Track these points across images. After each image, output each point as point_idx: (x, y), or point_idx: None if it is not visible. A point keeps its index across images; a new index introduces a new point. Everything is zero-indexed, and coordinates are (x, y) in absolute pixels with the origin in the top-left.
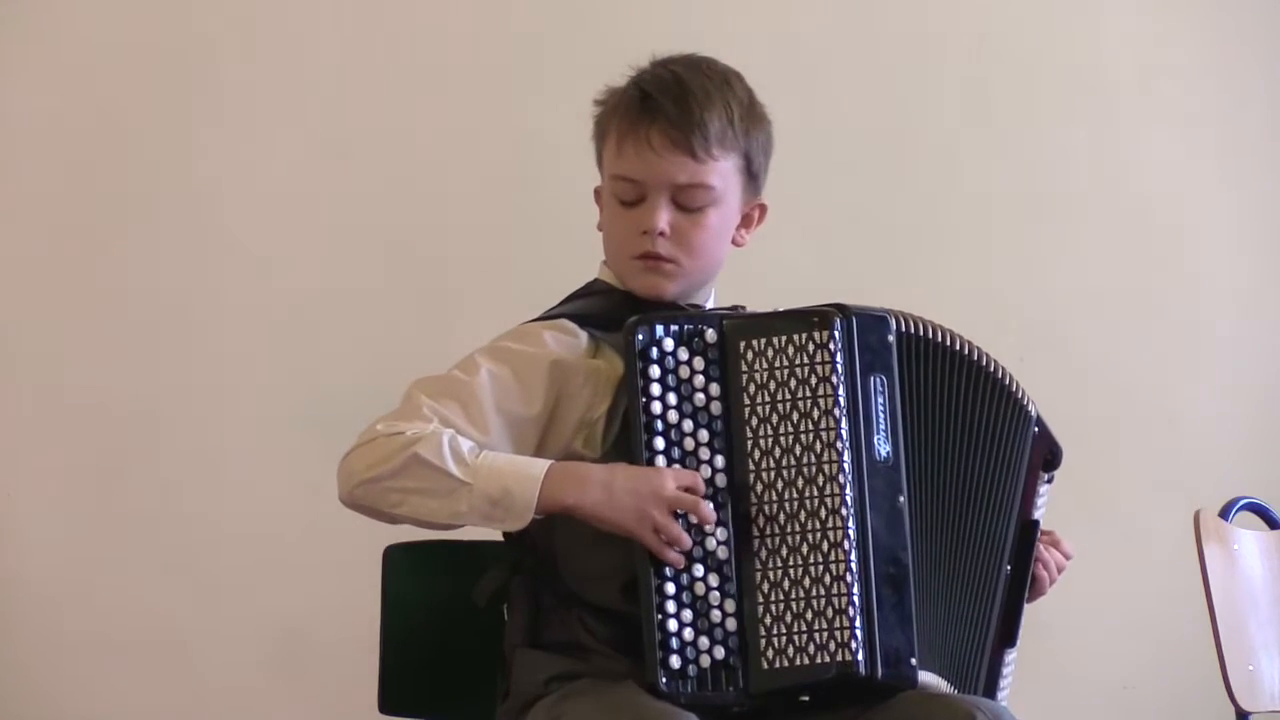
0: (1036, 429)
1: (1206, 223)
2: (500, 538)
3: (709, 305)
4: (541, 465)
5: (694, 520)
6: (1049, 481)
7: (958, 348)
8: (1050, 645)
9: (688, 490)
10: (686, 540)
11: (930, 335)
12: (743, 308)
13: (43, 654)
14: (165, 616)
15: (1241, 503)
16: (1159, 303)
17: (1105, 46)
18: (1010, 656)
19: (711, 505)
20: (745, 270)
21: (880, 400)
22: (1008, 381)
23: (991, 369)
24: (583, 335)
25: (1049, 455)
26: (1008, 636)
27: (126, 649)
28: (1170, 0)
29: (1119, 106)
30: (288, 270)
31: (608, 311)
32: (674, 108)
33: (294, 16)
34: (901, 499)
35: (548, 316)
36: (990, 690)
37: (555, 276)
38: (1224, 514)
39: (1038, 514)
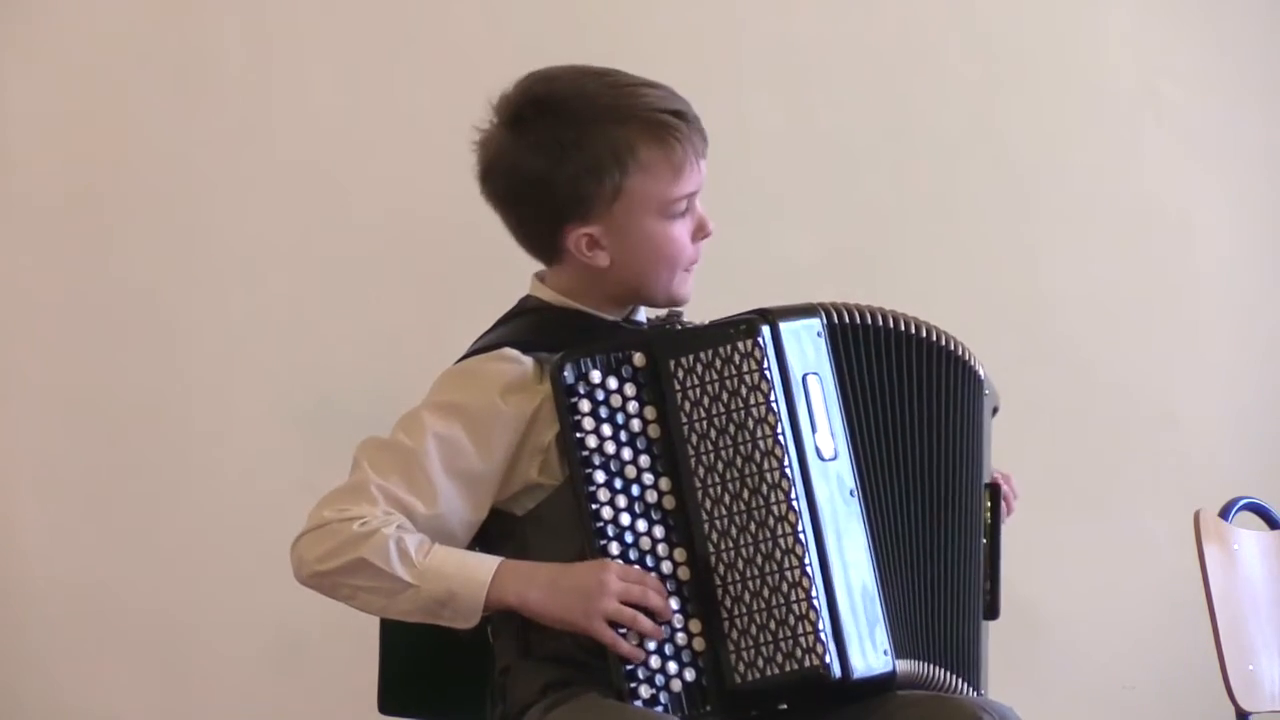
0: (988, 391)
1: (1207, 223)
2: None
3: (640, 311)
4: (489, 569)
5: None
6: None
7: (893, 325)
8: (1050, 645)
9: (636, 582)
10: (645, 623)
11: (862, 320)
12: (679, 313)
13: (42, 653)
14: (165, 616)
15: (1241, 503)
16: (1159, 303)
17: (1107, 48)
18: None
19: (663, 595)
20: (745, 269)
21: (817, 398)
22: (953, 347)
23: (934, 339)
24: (527, 361)
25: (994, 408)
26: (991, 610)
27: (126, 649)
28: (1171, 2)
29: (1120, 107)
30: (287, 269)
31: (549, 331)
32: (698, 122)
33: (294, 16)
34: (853, 492)
35: (485, 347)
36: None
37: None
38: (1224, 514)
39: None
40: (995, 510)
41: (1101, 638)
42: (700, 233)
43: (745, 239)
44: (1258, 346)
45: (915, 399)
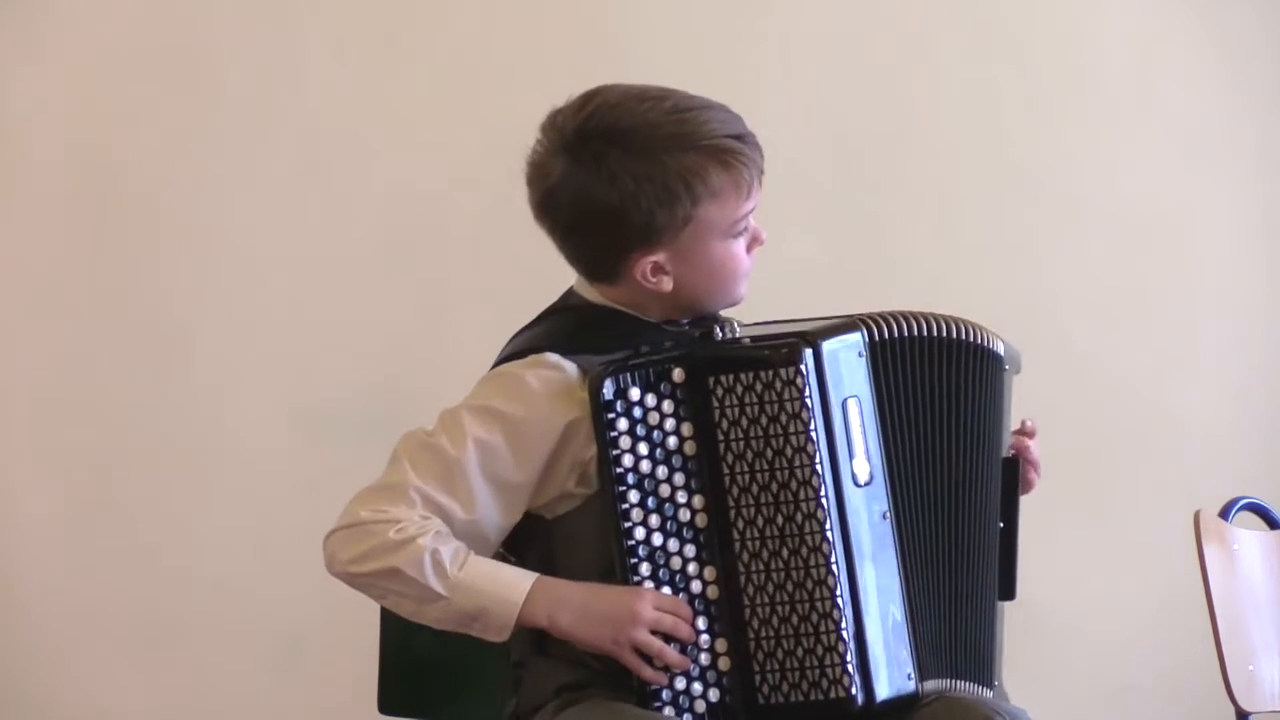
0: (1007, 366)
1: (1206, 222)
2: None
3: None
4: (522, 589)
5: (680, 634)
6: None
7: (928, 332)
8: (1050, 646)
9: (669, 612)
10: (671, 655)
11: (901, 333)
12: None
13: (42, 654)
14: (165, 617)
15: (1241, 503)
16: (1159, 303)
17: (1105, 46)
18: (1004, 606)
19: (692, 625)
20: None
21: (856, 422)
22: (975, 338)
23: (960, 335)
24: (569, 367)
25: (1014, 368)
26: (1008, 591)
27: (127, 649)
28: (1171, 2)
29: (1119, 106)
30: (288, 270)
31: (590, 332)
32: (755, 139)
33: (294, 16)
34: (887, 515)
35: (528, 349)
36: (998, 667)
37: (554, 276)
38: (1224, 514)
39: (1009, 437)
40: (1013, 486)
41: (1101, 638)
42: (755, 244)
43: None
44: (1258, 346)
45: (945, 404)
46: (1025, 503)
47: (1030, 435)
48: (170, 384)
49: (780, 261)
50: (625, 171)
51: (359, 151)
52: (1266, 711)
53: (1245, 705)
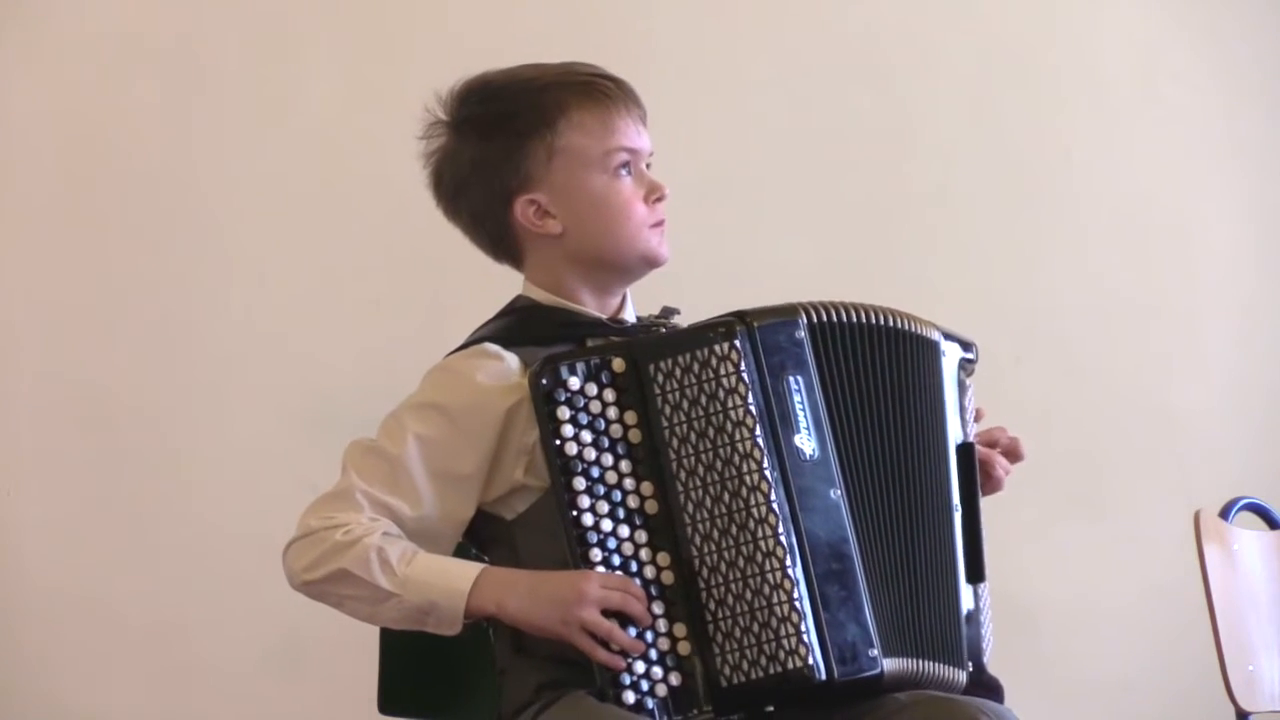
0: (944, 352)
1: (1206, 222)
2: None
3: (629, 308)
4: (469, 577)
5: (632, 610)
6: (971, 374)
7: (864, 320)
8: (1050, 645)
9: (617, 589)
10: (621, 635)
11: (843, 319)
12: (673, 310)
13: (42, 653)
14: (165, 617)
15: (1241, 503)
16: (1159, 303)
17: (1105, 46)
18: (984, 590)
19: (643, 602)
20: (746, 270)
21: (798, 399)
22: (909, 326)
23: (895, 324)
24: (509, 357)
25: (965, 358)
26: (976, 574)
27: (126, 649)
28: (1171, 2)
29: (1119, 106)
30: (288, 270)
31: (530, 327)
32: (633, 90)
33: (295, 17)
34: (835, 492)
35: (469, 344)
36: (975, 652)
37: None
38: (1224, 514)
39: (969, 428)
40: (970, 472)
41: (1101, 637)
42: (653, 194)
43: (745, 240)
44: (1257, 346)
45: (886, 388)
46: (1024, 504)
47: (998, 446)
48: (170, 384)
49: (778, 262)
50: (484, 117)
51: (359, 151)
52: (1266, 711)
53: (1245, 705)
